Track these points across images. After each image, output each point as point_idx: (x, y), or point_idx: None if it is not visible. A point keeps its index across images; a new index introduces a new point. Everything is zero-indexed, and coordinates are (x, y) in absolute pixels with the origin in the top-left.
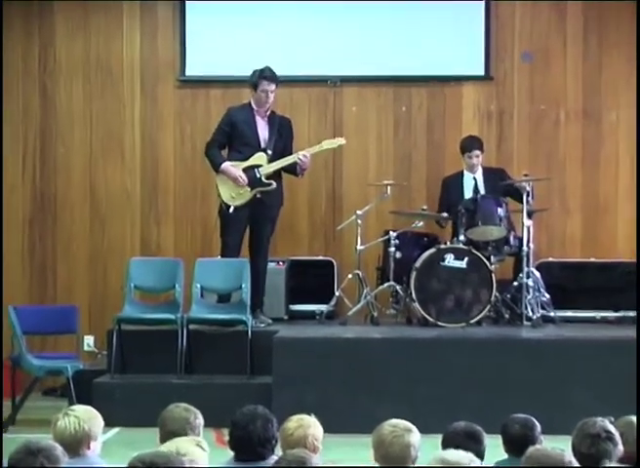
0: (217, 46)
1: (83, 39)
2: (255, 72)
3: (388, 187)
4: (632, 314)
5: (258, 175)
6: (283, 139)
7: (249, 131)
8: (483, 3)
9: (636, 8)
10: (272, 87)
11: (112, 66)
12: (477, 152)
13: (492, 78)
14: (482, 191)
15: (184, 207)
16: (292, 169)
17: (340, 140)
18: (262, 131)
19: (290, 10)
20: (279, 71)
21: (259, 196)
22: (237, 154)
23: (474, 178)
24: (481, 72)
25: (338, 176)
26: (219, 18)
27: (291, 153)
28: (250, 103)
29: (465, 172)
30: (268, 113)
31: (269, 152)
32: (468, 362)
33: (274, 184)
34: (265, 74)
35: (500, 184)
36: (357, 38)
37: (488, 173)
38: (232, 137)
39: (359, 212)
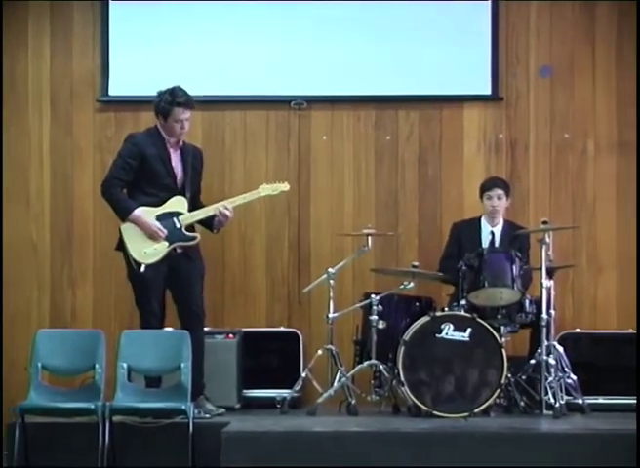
0: (149, 58)
1: None
2: (163, 96)
3: (369, 238)
4: None
5: (178, 226)
6: (196, 177)
7: (162, 167)
8: (489, 2)
9: (636, 8)
10: (188, 114)
11: (14, 85)
12: (499, 192)
13: (501, 98)
14: None
15: (107, 263)
16: (207, 220)
17: (283, 186)
18: (177, 167)
19: (242, 13)
20: (230, 90)
21: (178, 250)
22: (147, 197)
23: (492, 233)
24: (487, 91)
25: (304, 223)
26: (152, 23)
27: (200, 193)
28: (158, 130)
29: (483, 221)
30: (180, 144)
31: (188, 195)
32: (473, 462)
33: (198, 237)
34: (179, 100)
35: (514, 234)
36: (328, 48)
37: (509, 228)
38: (140, 175)
39: (331, 269)
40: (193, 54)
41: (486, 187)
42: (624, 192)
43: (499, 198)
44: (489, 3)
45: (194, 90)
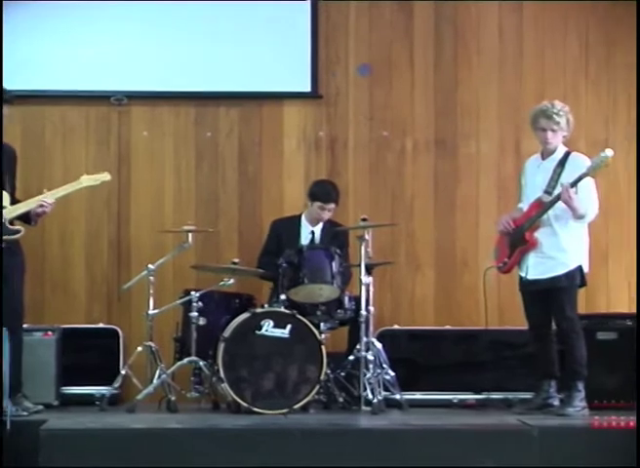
0: None
1: None
2: None
3: (189, 235)
4: (498, 396)
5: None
6: (12, 175)
7: None
8: (309, 2)
9: (636, 8)
10: (6, 111)
11: None
12: (333, 206)
13: (320, 96)
14: None
15: None
16: (25, 214)
17: (103, 176)
18: None
19: (62, 9)
20: (49, 85)
21: (2, 245)
22: None
23: (312, 232)
24: (307, 88)
25: (124, 220)
26: None
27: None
28: None
29: (304, 220)
30: None
31: (9, 190)
32: (292, 457)
33: (22, 231)
34: None
35: (333, 232)
36: (148, 44)
37: (328, 226)
38: None
39: (151, 266)
40: (12, 48)
41: (322, 198)
42: (442, 190)
43: (329, 211)
44: (309, 2)
45: (12, 85)
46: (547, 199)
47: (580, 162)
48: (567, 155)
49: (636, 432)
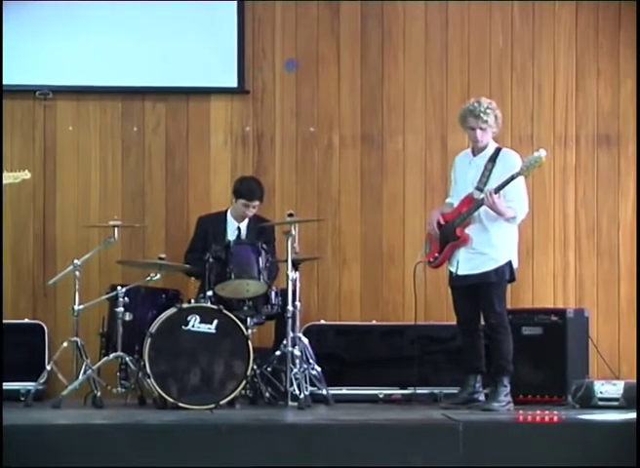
0: None
1: None
2: None
3: (115, 230)
4: (424, 391)
5: None
6: None
7: None
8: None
9: (636, 8)
10: None
11: None
12: (257, 203)
13: (247, 91)
14: None
15: None
16: None
17: (23, 174)
18: None
19: None
20: None
21: None
22: None
23: (238, 228)
24: (233, 83)
25: (50, 215)
26: None
27: None
28: None
29: (230, 216)
30: None
31: None
32: (218, 453)
33: None
34: None
35: (260, 227)
36: (74, 37)
37: (255, 222)
38: None
39: (77, 261)
40: None
41: (246, 196)
42: (369, 185)
43: (254, 208)
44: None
45: None
46: (479, 195)
47: (511, 159)
48: (498, 151)
49: (636, 432)
